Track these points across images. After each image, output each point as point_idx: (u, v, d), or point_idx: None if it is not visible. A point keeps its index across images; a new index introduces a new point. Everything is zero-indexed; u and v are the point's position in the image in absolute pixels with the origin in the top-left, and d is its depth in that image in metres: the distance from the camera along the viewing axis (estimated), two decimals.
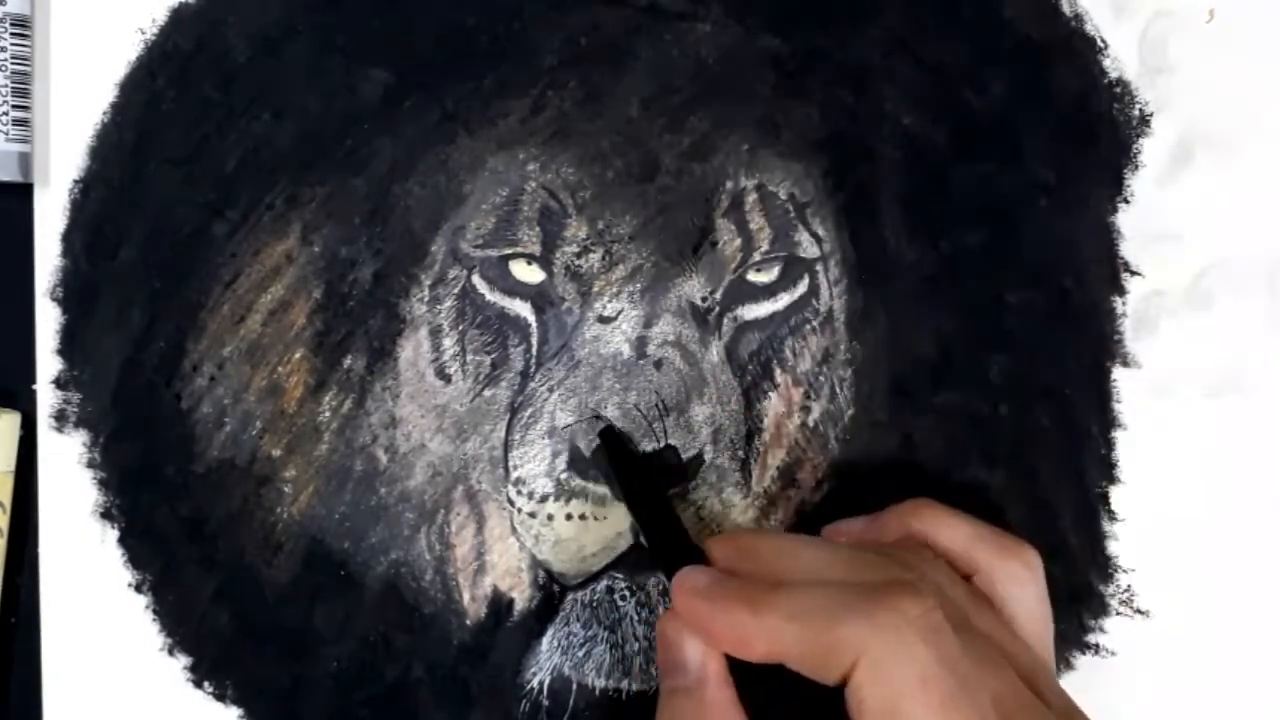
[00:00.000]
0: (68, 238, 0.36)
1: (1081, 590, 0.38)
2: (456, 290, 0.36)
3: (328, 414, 0.36)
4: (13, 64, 0.35)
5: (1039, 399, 0.38)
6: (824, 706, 0.27)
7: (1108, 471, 0.38)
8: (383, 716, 0.37)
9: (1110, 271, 0.38)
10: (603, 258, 0.36)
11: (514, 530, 0.37)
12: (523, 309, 0.36)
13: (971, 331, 0.37)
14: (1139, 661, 0.38)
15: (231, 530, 0.37)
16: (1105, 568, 0.38)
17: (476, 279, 0.36)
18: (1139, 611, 0.38)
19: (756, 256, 0.37)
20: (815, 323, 0.37)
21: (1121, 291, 0.38)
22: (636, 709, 0.37)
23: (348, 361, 0.36)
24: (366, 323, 0.36)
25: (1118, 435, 0.38)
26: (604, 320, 0.36)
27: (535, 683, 0.37)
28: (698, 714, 0.29)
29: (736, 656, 0.29)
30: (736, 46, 0.36)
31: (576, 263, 0.36)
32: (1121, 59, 0.37)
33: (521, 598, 0.37)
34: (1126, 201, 0.37)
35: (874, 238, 0.37)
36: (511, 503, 0.37)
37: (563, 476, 0.36)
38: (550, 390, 0.36)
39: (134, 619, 0.36)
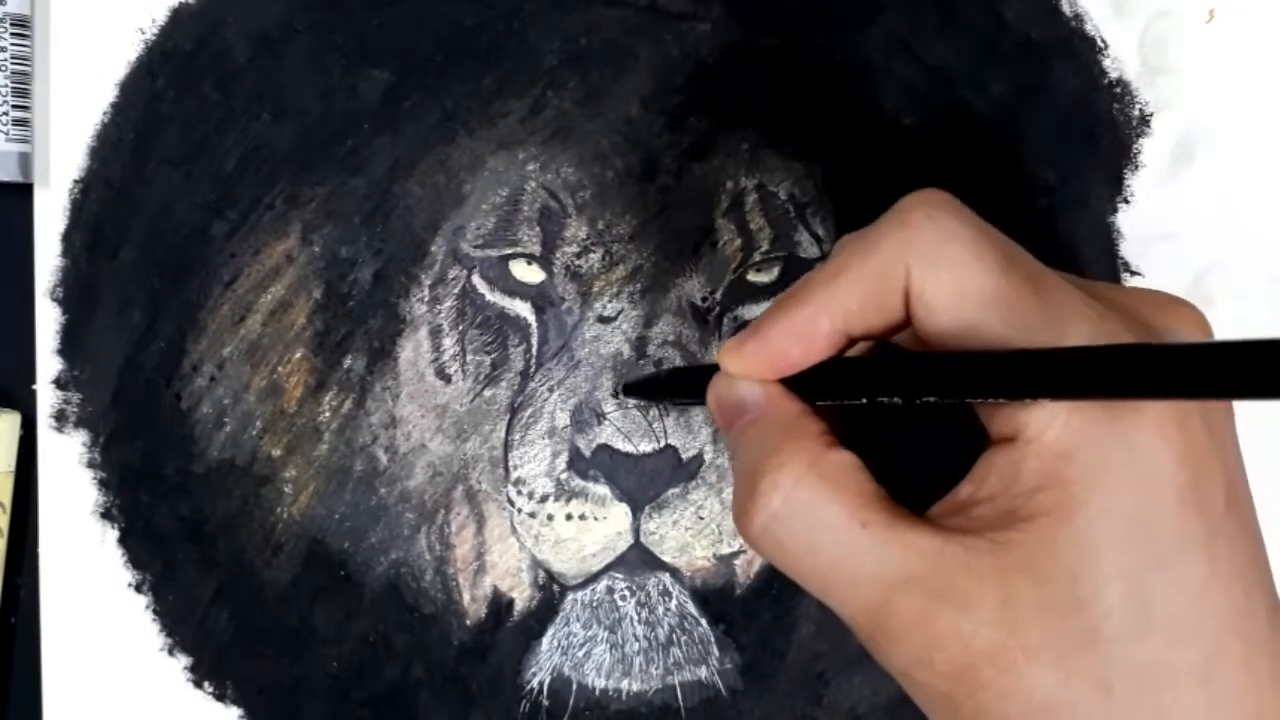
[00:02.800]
0: (68, 238, 0.36)
1: None
2: (456, 290, 0.36)
3: (328, 414, 0.36)
4: (13, 64, 0.35)
5: None
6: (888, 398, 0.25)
7: None
8: (383, 716, 0.37)
9: (1110, 271, 0.38)
10: (603, 258, 0.36)
11: (514, 530, 0.37)
12: (523, 309, 0.36)
13: None
14: None
15: (231, 530, 0.37)
16: None
17: (476, 279, 0.36)
18: None
19: (757, 257, 0.37)
20: None
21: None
22: (636, 709, 0.37)
23: (348, 361, 0.36)
24: (366, 323, 0.36)
25: None
26: (604, 320, 0.36)
27: (535, 683, 0.37)
28: (771, 434, 0.26)
29: (795, 364, 0.26)
30: (736, 46, 0.36)
31: (576, 263, 0.36)
32: (1121, 59, 0.37)
33: (521, 598, 0.37)
34: (1126, 201, 0.37)
35: None
36: (511, 503, 0.37)
37: (563, 476, 0.36)
38: (550, 390, 0.36)
39: (134, 619, 0.36)
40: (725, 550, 0.37)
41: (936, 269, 0.24)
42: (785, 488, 0.24)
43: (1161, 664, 0.22)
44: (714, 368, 0.28)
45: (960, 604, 0.23)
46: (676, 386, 0.33)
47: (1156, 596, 0.22)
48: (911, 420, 0.28)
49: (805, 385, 0.27)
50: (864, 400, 0.25)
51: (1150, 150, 0.37)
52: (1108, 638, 0.22)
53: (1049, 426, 0.23)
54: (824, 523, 0.24)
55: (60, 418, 0.36)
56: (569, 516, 0.36)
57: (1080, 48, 0.37)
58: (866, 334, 0.26)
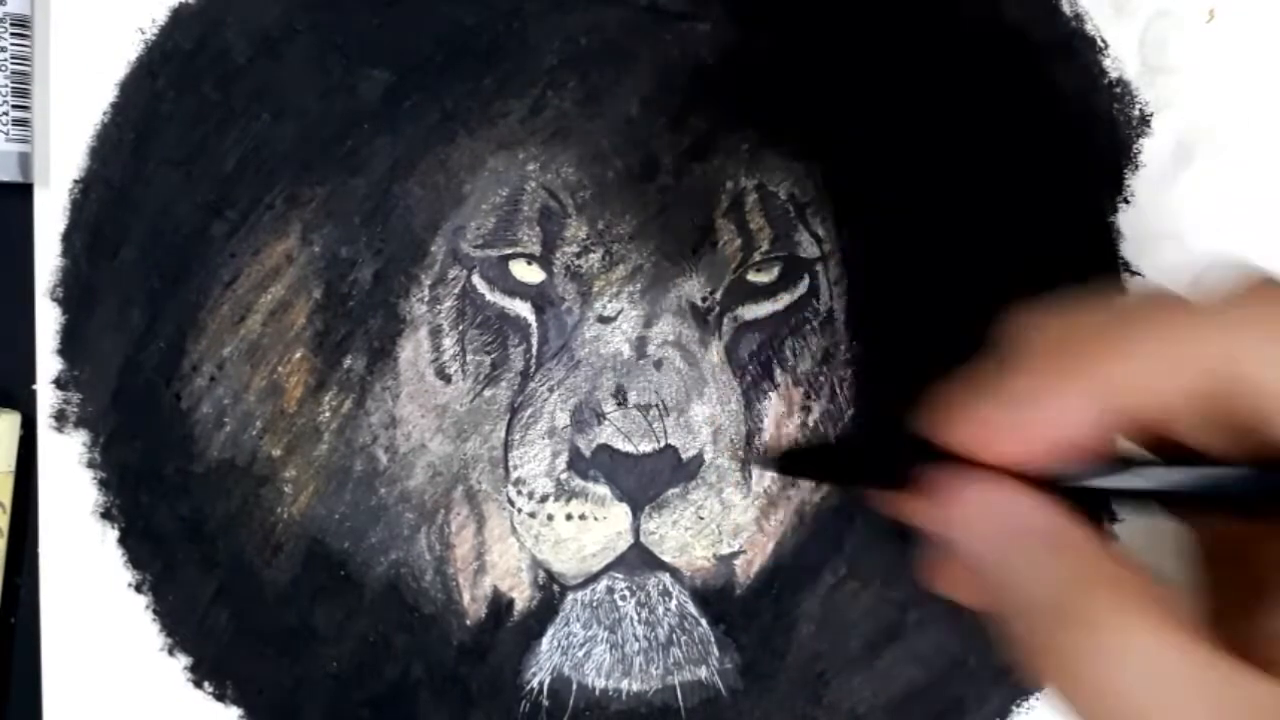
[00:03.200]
0: (68, 238, 0.36)
1: None
2: (456, 290, 0.36)
3: (328, 414, 0.36)
4: (13, 64, 0.35)
5: None
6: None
7: None
8: (383, 716, 0.37)
9: (1110, 272, 0.37)
10: (603, 258, 0.36)
11: (514, 530, 0.37)
12: (523, 309, 0.36)
13: (973, 331, 0.37)
14: None
15: (231, 530, 0.37)
16: None
17: (476, 279, 0.36)
18: None
19: (756, 256, 0.37)
20: (815, 323, 0.37)
21: (1122, 292, 0.38)
22: (636, 709, 0.37)
23: (348, 361, 0.36)
24: (366, 323, 0.36)
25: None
26: (604, 320, 0.36)
27: (535, 683, 0.37)
28: (1074, 567, 0.21)
29: (1043, 452, 0.21)
30: (736, 46, 0.36)
31: (576, 263, 0.36)
32: (1121, 59, 0.37)
33: (521, 598, 0.37)
34: (1126, 201, 0.37)
35: (874, 238, 0.37)
36: (511, 503, 0.37)
37: (563, 476, 0.36)
38: (550, 390, 0.36)
39: (134, 619, 0.36)
40: (725, 550, 0.37)
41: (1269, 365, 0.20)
42: (1124, 633, 0.20)
43: None
44: (890, 446, 0.23)
45: None
46: (853, 466, 0.28)
47: None
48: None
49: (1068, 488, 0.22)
50: (1222, 515, 0.21)
51: (1150, 150, 0.37)
52: None
53: None
54: (1167, 672, 0.20)
55: (60, 418, 0.36)
56: (569, 516, 0.36)
57: (1080, 48, 0.37)
58: (1140, 420, 0.21)
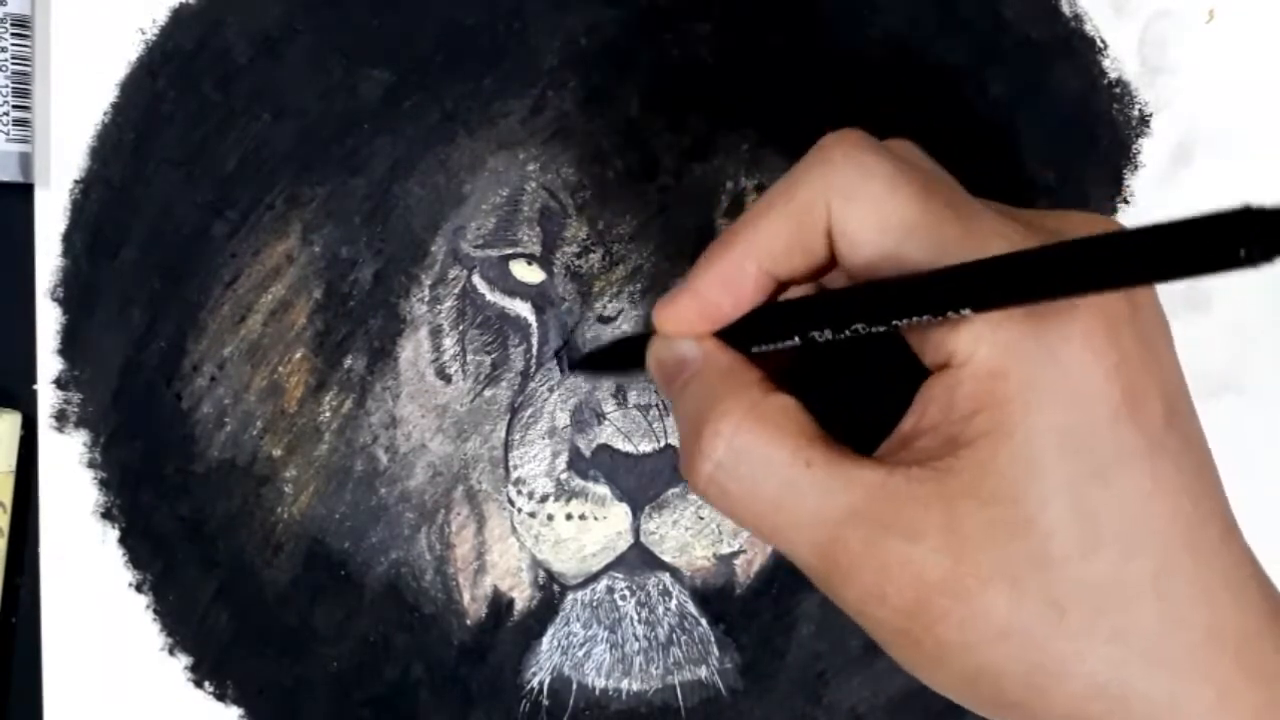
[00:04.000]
0: (68, 238, 0.36)
1: None
2: (457, 290, 0.36)
3: (328, 414, 0.36)
4: (13, 64, 0.35)
5: None
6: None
7: None
8: (383, 716, 0.37)
9: None
10: (603, 258, 0.36)
11: (514, 530, 0.37)
12: (523, 309, 0.36)
13: None
14: None
15: (231, 530, 0.37)
16: None
17: (477, 279, 0.36)
18: None
19: None
20: None
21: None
22: (636, 709, 0.37)
23: (348, 361, 0.36)
24: (367, 323, 0.36)
25: None
26: (604, 320, 0.36)
27: (535, 683, 0.37)
28: (711, 386, 0.26)
29: (728, 314, 0.26)
30: (736, 46, 0.36)
31: (576, 263, 0.36)
32: (1121, 59, 0.37)
33: (521, 598, 0.37)
34: (1126, 201, 0.37)
35: None
36: (511, 503, 0.37)
37: (563, 476, 0.36)
38: (550, 390, 0.36)
39: (134, 619, 0.37)
40: (725, 550, 0.37)
41: (856, 202, 0.24)
42: (727, 435, 0.24)
43: (1112, 580, 0.22)
44: (645, 336, 0.28)
45: (908, 534, 0.23)
46: (622, 357, 0.33)
47: (1101, 511, 0.22)
48: (853, 367, 0.28)
49: (739, 335, 0.27)
50: (796, 339, 0.25)
51: (1150, 150, 0.37)
52: (1056, 557, 0.22)
53: (978, 347, 0.23)
54: (768, 466, 0.24)
55: (60, 418, 0.36)
56: (569, 516, 0.36)
57: (1080, 48, 0.37)
58: (793, 277, 0.26)
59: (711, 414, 0.25)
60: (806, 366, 0.28)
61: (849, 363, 0.28)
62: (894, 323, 0.23)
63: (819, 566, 0.24)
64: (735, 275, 0.26)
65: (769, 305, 0.26)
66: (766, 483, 0.24)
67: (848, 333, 0.24)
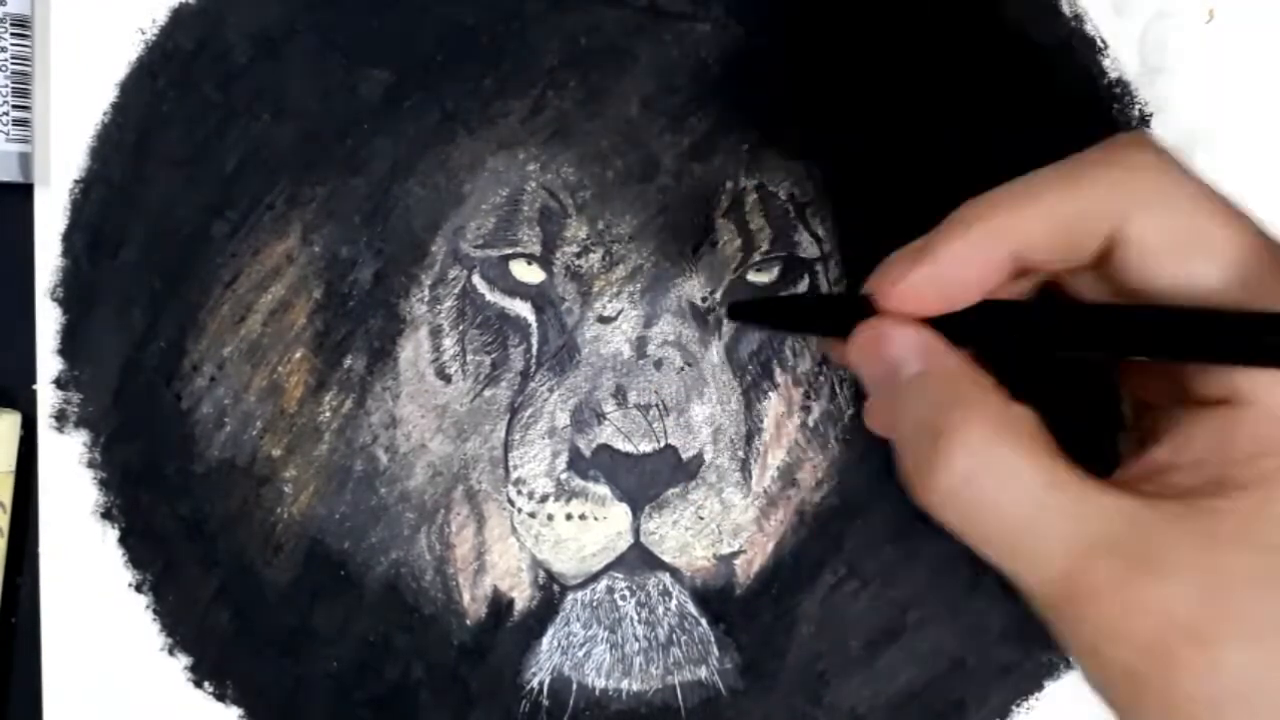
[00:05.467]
0: (68, 238, 0.36)
1: None
2: (457, 290, 0.36)
3: (328, 414, 0.36)
4: (13, 64, 0.35)
5: None
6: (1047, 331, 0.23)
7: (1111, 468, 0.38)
8: (383, 716, 0.37)
9: None
10: (603, 258, 0.36)
11: (514, 530, 0.37)
12: (523, 309, 0.36)
13: None
14: None
15: (231, 530, 0.37)
16: None
17: (476, 279, 0.36)
18: None
19: (756, 257, 0.37)
20: None
21: None
22: (636, 709, 0.37)
23: (348, 361, 0.36)
24: (367, 323, 0.36)
25: (1121, 435, 0.38)
26: (604, 320, 0.36)
27: (535, 683, 0.37)
28: (946, 388, 0.23)
29: (970, 296, 0.24)
30: (736, 46, 0.36)
31: (576, 263, 0.36)
32: (1121, 59, 0.37)
33: (521, 598, 0.37)
34: None
35: (874, 238, 0.37)
36: (511, 503, 0.37)
37: (563, 476, 0.36)
38: (550, 390, 0.36)
39: (134, 619, 0.37)
40: (725, 550, 0.37)
41: (1161, 215, 0.22)
42: (973, 446, 0.22)
43: None
44: (845, 300, 0.25)
45: (1162, 572, 0.21)
46: (795, 315, 0.30)
47: None
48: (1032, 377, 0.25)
49: (964, 328, 0.24)
50: (1055, 351, 0.23)
51: None
52: None
53: (1273, 391, 0.21)
54: (1012, 482, 0.22)
55: (60, 418, 0.36)
56: (569, 516, 0.36)
57: (1080, 48, 0.37)
58: (1043, 269, 0.24)
59: (952, 420, 0.23)
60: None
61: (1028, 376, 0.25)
62: (1196, 360, 0.22)
63: (1055, 596, 0.22)
64: (986, 254, 0.23)
65: (1009, 303, 0.24)
66: (1011, 501, 0.22)
67: (1129, 359, 0.22)
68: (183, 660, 0.37)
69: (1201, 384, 0.23)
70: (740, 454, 0.37)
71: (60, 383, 0.36)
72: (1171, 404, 0.24)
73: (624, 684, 0.37)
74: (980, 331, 0.24)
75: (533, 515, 0.37)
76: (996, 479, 0.22)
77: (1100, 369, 0.30)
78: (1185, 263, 0.22)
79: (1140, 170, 0.23)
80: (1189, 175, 0.23)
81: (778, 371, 0.37)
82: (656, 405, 0.36)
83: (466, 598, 0.37)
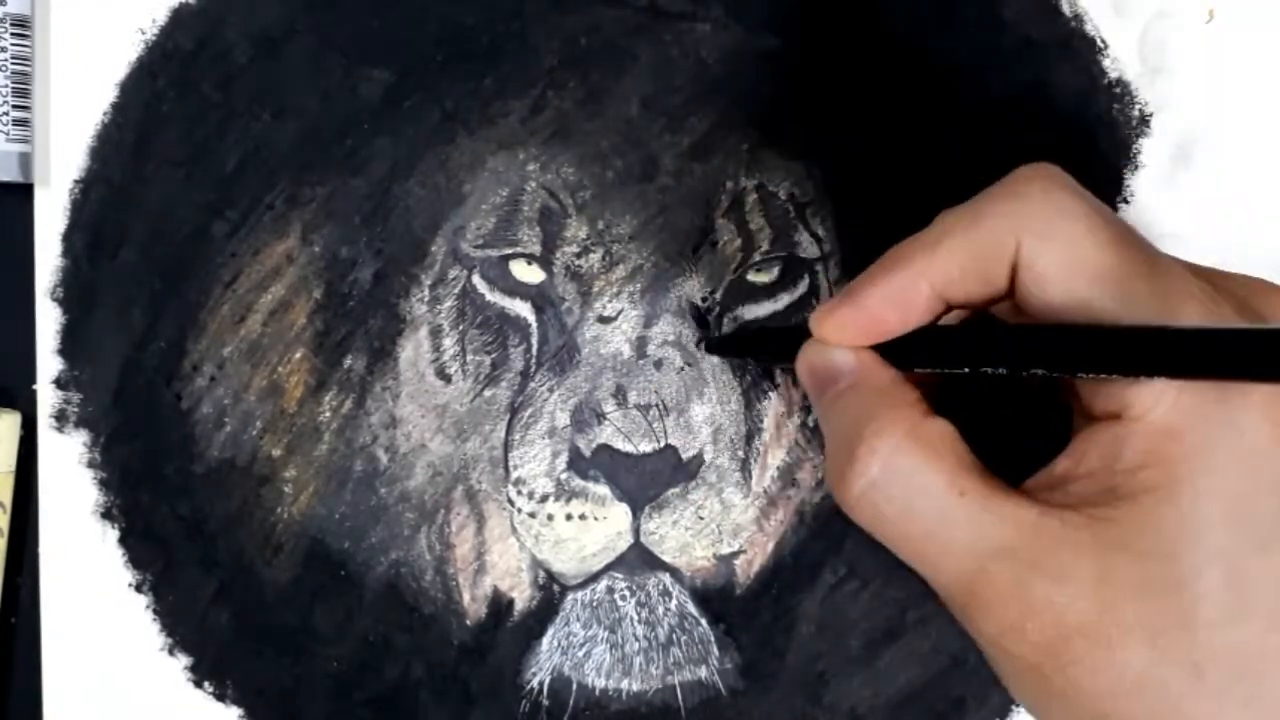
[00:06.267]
0: (68, 238, 0.36)
1: None
2: (457, 290, 0.36)
3: (328, 414, 0.36)
4: (13, 64, 0.35)
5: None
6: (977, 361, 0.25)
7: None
8: (383, 716, 0.37)
9: None
10: (603, 258, 0.36)
11: (514, 530, 0.37)
12: (523, 309, 0.36)
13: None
14: None
15: (231, 530, 0.37)
16: None
17: (476, 279, 0.36)
18: None
19: (757, 257, 0.37)
20: None
21: None
22: (636, 709, 0.37)
23: (348, 361, 0.36)
24: (366, 323, 0.36)
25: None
26: (604, 320, 0.36)
27: (535, 683, 0.37)
28: (867, 401, 0.25)
29: (892, 330, 0.26)
30: (736, 46, 0.36)
31: (576, 263, 0.36)
32: (1121, 59, 0.37)
33: (521, 598, 0.37)
34: (1126, 201, 0.37)
35: (874, 238, 0.37)
36: (511, 503, 0.37)
37: (563, 476, 0.36)
38: (550, 390, 0.36)
39: (134, 619, 0.37)
40: (725, 550, 0.37)
41: (1050, 242, 0.24)
42: (884, 454, 0.24)
43: (1255, 649, 0.22)
44: (804, 330, 0.28)
45: (1056, 576, 0.23)
46: (763, 345, 0.33)
47: (1257, 581, 0.22)
48: (986, 396, 0.28)
49: (900, 352, 0.26)
50: (965, 369, 0.25)
51: (1150, 150, 0.37)
52: (1204, 620, 0.22)
53: (1157, 405, 0.23)
54: (922, 490, 0.24)
55: (60, 418, 0.36)
56: (569, 516, 0.36)
57: (1080, 48, 0.37)
58: (963, 303, 0.26)
59: (867, 430, 0.25)
60: (941, 395, 0.27)
61: (984, 395, 0.27)
62: (1080, 374, 0.23)
63: (960, 595, 0.24)
64: (905, 294, 0.26)
65: (937, 328, 0.26)
66: (919, 507, 0.24)
67: (1023, 374, 0.24)
68: (183, 660, 0.37)
69: (1095, 399, 0.24)
70: (740, 454, 0.37)
71: (60, 383, 0.36)
72: (1077, 418, 0.26)
73: (624, 684, 0.37)
74: (914, 354, 0.26)
75: (533, 515, 0.37)
76: (904, 486, 0.24)
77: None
78: (1075, 286, 0.24)
79: (1030, 200, 0.24)
80: (1079, 201, 0.24)
81: (778, 372, 0.37)
82: (656, 405, 0.36)
83: (466, 598, 0.37)
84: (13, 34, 0.35)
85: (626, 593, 0.37)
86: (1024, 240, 0.24)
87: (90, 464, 0.36)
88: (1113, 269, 0.23)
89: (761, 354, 0.34)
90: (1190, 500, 0.22)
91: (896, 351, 0.26)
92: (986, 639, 0.24)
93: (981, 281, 0.25)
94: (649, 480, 0.36)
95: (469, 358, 0.36)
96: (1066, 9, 0.37)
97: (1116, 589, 0.23)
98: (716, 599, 0.37)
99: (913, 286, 0.25)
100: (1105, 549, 0.23)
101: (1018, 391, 0.28)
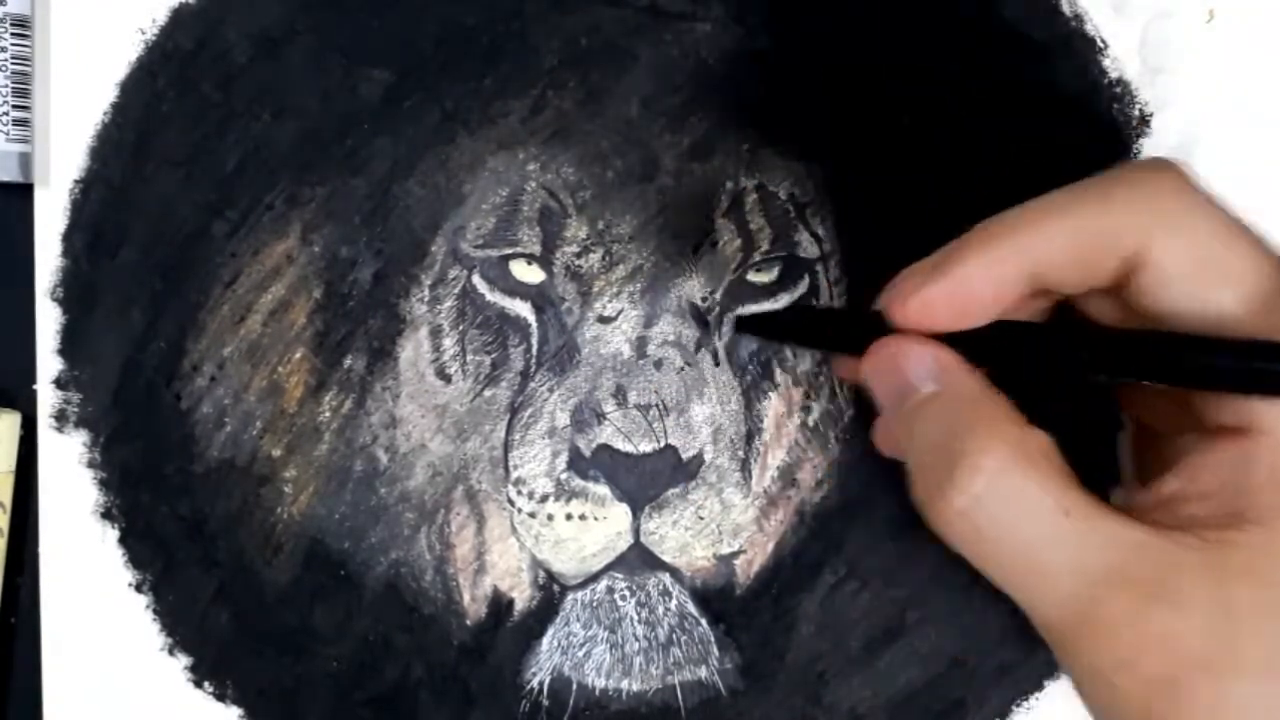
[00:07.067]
0: (68, 238, 0.36)
1: None
2: (456, 290, 0.36)
3: (328, 414, 0.36)
4: (13, 64, 0.35)
5: None
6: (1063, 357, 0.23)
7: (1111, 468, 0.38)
8: (383, 716, 0.37)
9: None
10: (603, 258, 0.36)
11: (514, 530, 0.37)
12: (523, 309, 0.36)
13: None
14: None
15: (231, 530, 0.37)
16: None
17: (476, 279, 0.36)
18: None
19: (757, 257, 0.37)
20: None
21: None
22: (636, 709, 0.37)
23: (348, 361, 0.36)
24: (366, 323, 0.36)
25: (1120, 436, 0.38)
26: (604, 320, 0.36)
27: (535, 683, 0.37)
28: (962, 411, 0.23)
29: (987, 312, 0.23)
30: (736, 46, 0.36)
31: (576, 263, 0.36)
32: (1121, 59, 0.37)
33: (521, 598, 0.37)
34: None
35: (874, 238, 0.37)
36: (511, 503, 0.37)
37: (563, 476, 0.36)
38: (550, 390, 0.36)
39: (134, 619, 0.37)
40: (725, 550, 0.37)
41: (1183, 240, 0.22)
42: (990, 471, 0.22)
43: None
44: (855, 315, 0.25)
45: (1175, 604, 0.21)
46: (804, 329, 0.30)
47: None
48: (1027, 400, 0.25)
49: (977, 348, 0.24)
50: (1065, 377, 0.23)
51: (1150, 150, 0.37)
52: None
53: None
54: (1031, 511, 0.22)
55: (60, 418, 0.36)
56: (569, 516, 0.36)
57: (1080, 48, 0.37)
58: (1053, 290, 0.24)
59: (970, 445, 0.23)
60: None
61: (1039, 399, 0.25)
62: (1217, 389, 0.21)
63: (1064, 623, 0.22)
64: (1004, 272, 0.23)
65: (1028, 325, 0.24)
66: (1024, 528, 0.22)
67: (1145, 383, 0.22)
68: (183, 660, 0.37)
69: (1216, 413, 0.23)
70: (740, 454, 0.37)
71: (60, 383, 0.36)
72: (1182, 431, 0.24)
73: (624, 684, 0.37)
74: (995, 352, 0.24)
75: (533, 515, 0.37)
76: (1011, 506, 0.22)
77: (1103, 392, 0.29)
78: (1205, 289, 0.22)
79: (1163, 193, 0.23)
80: (1212, 201, 0.23)
81: (778, 371, 0.37)
82: (656, 405, 0.36)
83: (466, 598, 0.37)
84: (13, 34, 0.35)
85: (626, 593, 0.37)
86: (1155, 234, 0.22)
87: (90, 464, 0.36)
88: (1249, 276, 0.22)
89: (802, 339, 0.31)
90: None
91: (973, 346, 0.24)
92: (1093, 673, 0.22)
93: (1083, 269, 0.23)
94: (649, 480, 0.36)
95: (469, 358, 0.36)
96: (1066, 9, 0.37)
97: (1239, 619, 0.21)
98: (716, 599, 0.37)
99: (1013, 266, 0.23)
100: (1229, 575, 0.21)
101: (1057, 396, 0.26)
